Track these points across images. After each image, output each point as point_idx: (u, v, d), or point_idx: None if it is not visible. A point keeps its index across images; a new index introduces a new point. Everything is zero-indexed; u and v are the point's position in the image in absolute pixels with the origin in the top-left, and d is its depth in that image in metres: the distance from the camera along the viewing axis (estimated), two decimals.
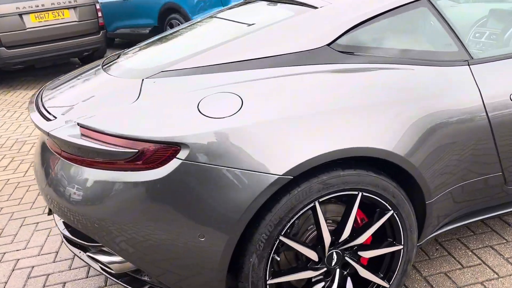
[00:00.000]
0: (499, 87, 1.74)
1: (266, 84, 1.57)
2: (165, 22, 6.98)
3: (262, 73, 1.61)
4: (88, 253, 1.70)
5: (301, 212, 1.49)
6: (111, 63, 2.08)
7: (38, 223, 2.76)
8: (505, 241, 2.17)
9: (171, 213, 1.44)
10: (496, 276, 1.95)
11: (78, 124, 1.54)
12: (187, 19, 6.50)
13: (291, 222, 1.49)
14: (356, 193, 1.54)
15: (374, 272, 1.70)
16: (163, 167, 1.42)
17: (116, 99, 1.66)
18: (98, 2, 6.60)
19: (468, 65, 1.74)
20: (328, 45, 1.67)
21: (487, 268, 2.00)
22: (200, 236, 1.43)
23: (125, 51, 2.29)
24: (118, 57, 2.19)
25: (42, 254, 2.43)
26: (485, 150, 1.75)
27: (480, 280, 1.93)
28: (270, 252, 1.50)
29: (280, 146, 1.43)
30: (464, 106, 1.68)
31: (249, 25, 1.89)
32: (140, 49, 2.21)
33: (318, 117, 1.49)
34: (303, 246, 1.56)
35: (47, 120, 1.64)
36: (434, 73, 1.69)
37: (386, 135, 1.54)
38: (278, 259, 1.60)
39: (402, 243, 1.68)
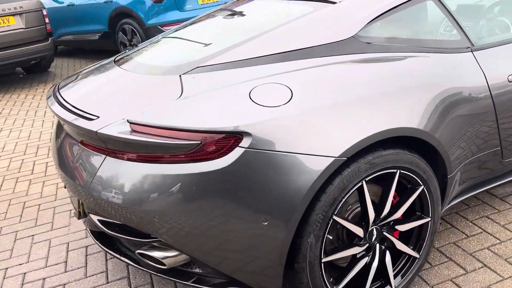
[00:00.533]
0: (498, 69, 1.96)
1: (309, 74, 1.66)
2: (116, 27, 6.81)
3: (301, 64, 1.69)
4: (139, 251, 1.67)
5: (351, 191, 1.59)
6: (126, 61, 2.07)
7: (33, 235, 2.62)
8: (496, 210, 2.41)
9: (235, 200, 1.47)
10: (498, 241, 2.17)
11: (128, 121, 1.53)
12: (141, 24, 6.40)
13: (342, 201, 1.58)
14: (395, 171, 1.67)
15: (407, 244, 1.84)
16: (226, 156, 1.45)
17: (158, 95, 1.66)
18: (44, 8, 6.31)
19: (472, 51, 1.94)
20: (354, 36, 1.80)
21: (489, 235, 2.22)
22: (263, 220, 1.48)
23: (135, 49, 2.28)
24: (130, 55, 2.18)
25: (49, 266, 2.32)
26: (489, 126, 1.95)
27: (486, 246, 2.14)
28: (325, 232, 1.58)
29: (334, 130, 1.53)
30: (472, 87, 1.88)
31: (271, 20, 1.97)
32: (154, 46, 2.21)
33: (361, 103, 1.60)
34: (353, 224, 1.66)
35: (88, 120, 1.61)
36: (446, 60, 1.87)
37: (415, 116, 1.68)
38: (331, 238, 1.68)
39: (430, 216, 1.83)
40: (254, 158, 1.45)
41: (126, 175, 1.55)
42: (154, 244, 1.64)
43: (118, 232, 1.72)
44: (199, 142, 1.45)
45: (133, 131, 1.51)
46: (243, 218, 1.49)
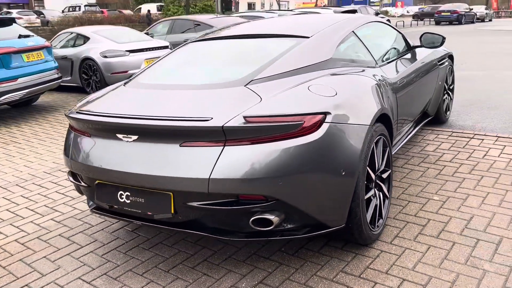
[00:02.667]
0: (391, 75, 3.15)
1: (329, 78, 2.45)
2: None
3: (317, 74, 2.47)
4: (253, 218, 2.04)
5: (370, 151, 2.41)
6: (169, 81, 2.56)
7: None
8: (346, 262, 2.36)
9: (326, 160, 2.09)
10: None
11: (244, 116, 1.99)
12: None
13: (369, 157, 2.38)
14: (380, 137, 2.57)
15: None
16: (318, 130, 2.07)
17: (243, 98, 2.16)
18: None
19: (378, 67, 3.09)
20: (332, 57, 2.69)
21: None
22: (342, 171, 2.16)
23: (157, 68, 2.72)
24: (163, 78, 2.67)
25: None
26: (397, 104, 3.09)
27: None
28: (364, 179, 2.35)
29: (363, 109, 2.36)
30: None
31: (273, 49, 2.68)
32: (183, 70, 2.72)
33: (363, 95, 2.48)
34: (373, 172, 2.48)
35: (204, 121, 1.98)
36: (373, 71, 2.94)
37: (383, 102, 2.65)
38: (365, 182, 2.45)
39: (390, 168, 2.80)
40: (334, 129, 2.12)
41: (249, 156, 1.98)
42: (258, 209, 2.05)
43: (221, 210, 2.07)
44: (302, 122, 2.03)
45: (248, 122, 1.98)
46: (332, 171, 2.13)
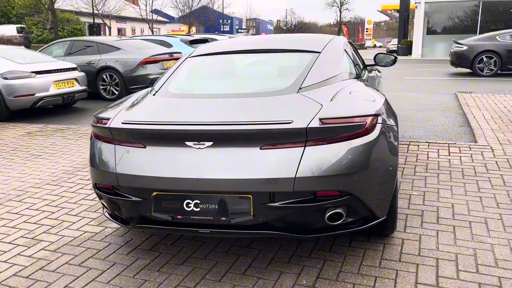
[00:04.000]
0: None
1: (357, 86, 2.74)
2: None
3: (344, 82, 2.73)
4: (329, 212, 2.18)
5: None
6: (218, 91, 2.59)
7: None
8: None
9: (382, 156, 2.34)
10: None
11: (319, 118, 2.14)
12: None
13: None
14: None
15: None
16: (374, 130, 2.30)
17: (303, 104, 2.31)
18: None
19: (360, 80, 3.48)
20: (343, 70, 2.98)
21: None
22: (390, 166, 2.43)
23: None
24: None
25: None
26: None
27: None
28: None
29: (390, 112, 2.67)
30: None
31: (299, 62, 2.87)
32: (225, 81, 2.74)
33: (374, 94, 2.81)
34: None
35: (287, 124, 2.08)
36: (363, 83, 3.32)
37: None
38: None
39: None
40: (383, 129, 2.39)
41: (327, 154, 2.13)
42: (331, 204, 2.20)
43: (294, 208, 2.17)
44: (365, 122, 2.27)
45: (324, 124, 2.15)
46: (384, 166, 2.38)
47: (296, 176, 2.09)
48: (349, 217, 2.32)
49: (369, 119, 2.27)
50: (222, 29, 57.57)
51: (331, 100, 2.38)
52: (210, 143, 2.14)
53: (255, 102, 2.39)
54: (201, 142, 2.14)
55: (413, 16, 28.19)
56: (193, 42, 12.28)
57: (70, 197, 3.78)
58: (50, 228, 3.18)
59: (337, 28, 77.71)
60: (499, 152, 4.62)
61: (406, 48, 31.69)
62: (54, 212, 3.46)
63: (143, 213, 2.31)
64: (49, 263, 2.70)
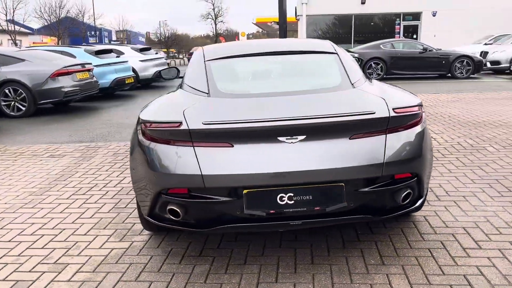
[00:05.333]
0: None
1: (384, 83, 3.02)
2: None
3: (371, 81, 3.01)
4: (404, 193, 2.39)
5: None
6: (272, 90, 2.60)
7: None
8: None
9: (429, 139, 2.62)
10: None
11: (393, 108, 2.37)
12: None
13: None
14: None
15: None
16: (422, 119, 2.59)
17: (370, 97, 2.52)
18: None
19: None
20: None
21: None
22: (431, 149, 2.74)
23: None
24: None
25: None
26: None
27: None
28: None
29: None
30: None
31: (327, 63, 3.05)
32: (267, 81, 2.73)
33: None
34: None
35: (371, 114, 2.26)
36: None
37: None
38: None
39: None
40: (424, 118, 2.70)
41: (404, 140, 2.37)
42: (404, 186, 2.43)
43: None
44: (420, 111, 2.55)
45: (397, 113, 2.38)
46: (431, 148, 2.67)
47: (385, 161, 2.29)
48: (413, 197, 2.57)
49: (421, 108, 2.57)
50: (89, 41, 54.44)
51: (385, 93, 2.63)
52: (303, 137, 2.23)
53: (324, 97, 2.52)
54: (293, 137, 2.22)
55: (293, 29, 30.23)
56: (99, 53, 11.65)
57: (62, 217, 3.44)
58: (67, 251, 2.89)
59: (213, 40, 79.40)
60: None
61: None
62: (57, 235, 3.13)
63: (233, 212, 2.29)
64: (99, 283, 2.49)
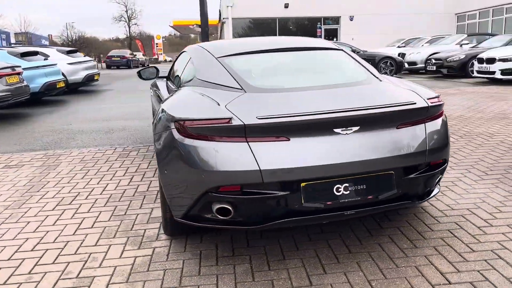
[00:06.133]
0: None
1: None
2: None
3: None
4: (438, 178, 2.54)
5: None
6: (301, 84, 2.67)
7: None
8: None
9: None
10: None
11: (427, 99, 2.51)
12: None
13: None
14: None
15: None
16: (443, 112, 2.77)
17: (400, 89, 2.63)
18: None
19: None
20: None
21: None
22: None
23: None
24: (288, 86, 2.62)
25: None
26: None
27: None
28: None
29: None
30: None
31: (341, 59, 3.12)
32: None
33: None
34: None
35: (412, 104, 2.38)
36: None
37: None
38: None
39: None
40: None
41: (437, 129, 2.51)
42: (438, 172, 2.57)
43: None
44: (443, 102, 2.71)
45: (429, 103, 2.52)
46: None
47: (428, 148, 2.42)
48: (439, 181, 2.73)
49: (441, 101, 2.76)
50: None
51: (409, 86, 2.78)
52: (357, 128, 2.28)
53: (364, 90, 2.59)
54: (348, 128, 2.27)
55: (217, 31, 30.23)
56: (24, 55, 10.76)
57: (58, 229, 3.16)
58: (85, 263, 2.67)
59: (124, 43, 76.61)
60: None
61: None
62: (62, 248, 2.88)
63: (291, 206, 2.28)
64: None
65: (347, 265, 2.51)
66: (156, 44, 72.66)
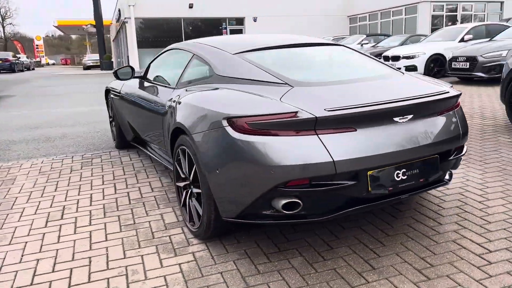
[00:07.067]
0: None
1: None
2: None
3: None
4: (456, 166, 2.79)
5: None
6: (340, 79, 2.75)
7: None
8: None
9: None
10: None
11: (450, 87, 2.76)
12: None
13: None
14: None
15: None
16: (459, 105, 3.03)
17: (423, 82, 2.83)
18: None
19: None
20: None
21: None
22: None
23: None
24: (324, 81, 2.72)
25: None
26: None
27: None
28: None
29: None
30: None
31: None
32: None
33: None
34: None
35: (446, 93, 2.59)
36: None
37: None
38: None
39: None
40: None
41: (461, 117, 2.74)
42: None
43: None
44: (461, 92, 2.98)
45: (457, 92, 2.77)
46: None
47: (461, 132, 2.67)
48: None
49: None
50: None
51: (427, 79, 3.01)
52: (411, 116, 2.43)
53: (398, 82, 2.73)
54: (404, 116, 2.41)
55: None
56: None
57: (68, 246, 2.87)
58: (126, 277, 2.47)
59: (2, 44, 69.25)
60: None
61: (108, 63, 32.28)
62: (88, 265, 2.62)
63: (358, 194, 2.35)
64: None
65: (395, 246, 2.67)
66: (37, 45, 66.93)
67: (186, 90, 3.11)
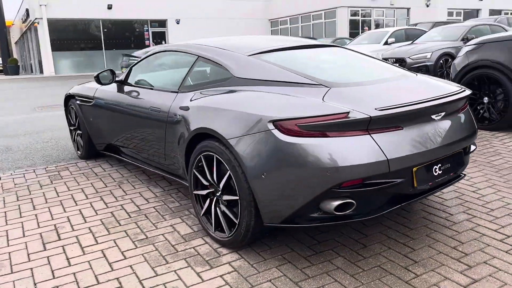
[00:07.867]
0: None
1: None
2: None
3: None
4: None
5: None
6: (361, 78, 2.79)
7: None
8: None
9: None
10: None
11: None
12: None
13: None
14: None
15: None
16: (468, 106, 3.21)
17: (435, 81, 2.96)
18: None
19: None
20: None
21: None
22: None
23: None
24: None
25: None
26: None
27: None
28: None
29: None
30: None
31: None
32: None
33: None
34: None
35: (462, 93, 2.75)
36: None
37: None
38: None
39: None
40: None
41: (470, 114, 2.94)
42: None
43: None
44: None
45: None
46: None
47: (476, 128, 2.85)
48: None
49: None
50: None
51: (438, 79, 3.17)
52: (443, 113, 2.55)
53: (421, 82, 2.82)
54: (439, 114, 2.52)
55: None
56: None
57: (85, 268, 2.61)
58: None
59: None
60: None
61: (15, 67, 29.75)
62: (121, 285, 2.41)
63: (405, 191, 2.41)
64: None
65: (420, 241, 2.78)
66: None
67: (201, 93, 2.98)
